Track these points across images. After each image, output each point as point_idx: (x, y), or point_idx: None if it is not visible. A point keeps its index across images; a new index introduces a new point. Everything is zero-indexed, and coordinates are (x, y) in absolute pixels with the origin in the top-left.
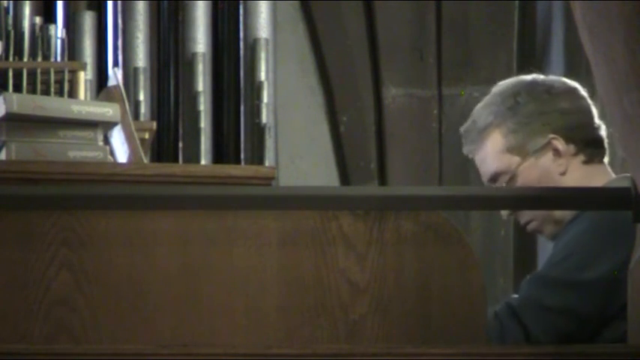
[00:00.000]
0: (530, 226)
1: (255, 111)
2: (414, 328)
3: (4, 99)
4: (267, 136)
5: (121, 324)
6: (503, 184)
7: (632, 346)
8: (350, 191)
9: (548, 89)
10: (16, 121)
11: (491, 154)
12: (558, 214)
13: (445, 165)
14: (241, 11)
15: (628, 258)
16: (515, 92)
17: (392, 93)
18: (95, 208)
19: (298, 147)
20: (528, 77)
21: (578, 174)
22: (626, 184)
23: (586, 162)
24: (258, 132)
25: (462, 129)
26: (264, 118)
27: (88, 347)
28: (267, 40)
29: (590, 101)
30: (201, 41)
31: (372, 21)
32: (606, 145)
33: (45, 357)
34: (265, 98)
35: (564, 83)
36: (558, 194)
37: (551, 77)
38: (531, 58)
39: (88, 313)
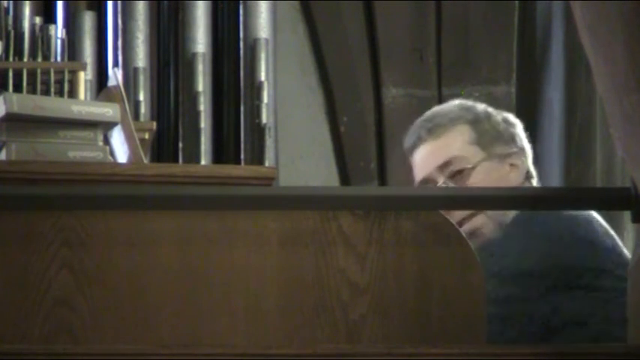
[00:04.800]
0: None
1: (255, 111)
2: (414, 328)
3: (4, 99)
4: (267, 136)
5: (121, 324)
6: (451, 171)
7: (632, 347)
8: (350, 191)
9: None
10: (16, 121)
11: (457, 141)
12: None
13: None
14: (241, 11)
15: None
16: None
17: (392, 93)
18: (95, 208)
19: (298, 147)
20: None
21: None
22: None
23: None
24: (258, 132)
25: (425, 116)
26: (264, 118)
27: (88, 347)
28: (267, 40)
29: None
30: (201, 41)
31: (372, 21)
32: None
33: (45, 357)
34: (265, 98)
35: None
36: (558, 195)
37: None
38: (531, 58)
39: (88, 313)
